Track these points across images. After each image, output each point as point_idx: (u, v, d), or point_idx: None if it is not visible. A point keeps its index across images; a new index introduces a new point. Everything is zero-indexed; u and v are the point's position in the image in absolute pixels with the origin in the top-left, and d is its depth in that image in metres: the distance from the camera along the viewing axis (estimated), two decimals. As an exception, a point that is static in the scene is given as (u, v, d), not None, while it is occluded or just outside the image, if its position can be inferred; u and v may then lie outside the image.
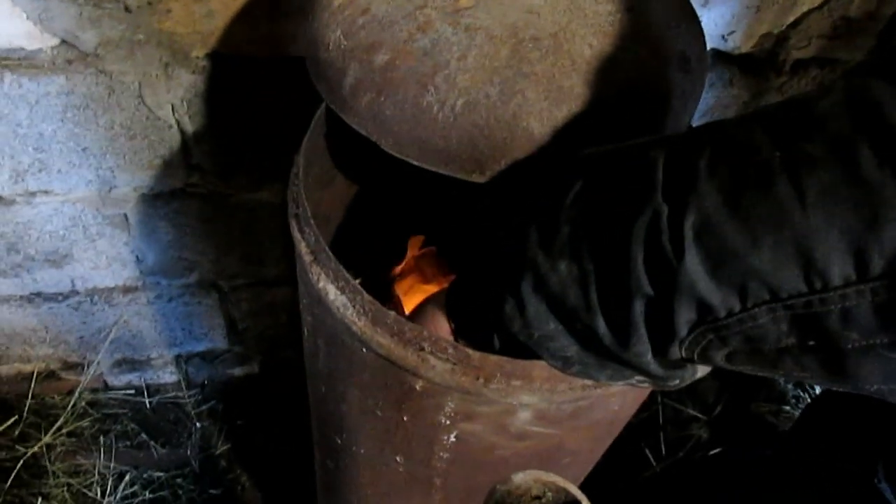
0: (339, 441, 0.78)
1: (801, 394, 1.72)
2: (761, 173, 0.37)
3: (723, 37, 1.07)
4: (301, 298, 0.71)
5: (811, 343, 0.38)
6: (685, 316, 0.40)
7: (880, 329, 0.35)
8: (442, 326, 0.59)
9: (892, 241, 0.33)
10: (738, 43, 1.09)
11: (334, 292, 0.59)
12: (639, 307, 0.42)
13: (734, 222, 0.37)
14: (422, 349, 0.55)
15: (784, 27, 1.08)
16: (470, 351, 0.54)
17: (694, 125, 0.73)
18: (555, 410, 0.59)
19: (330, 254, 0.58)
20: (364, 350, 0.59)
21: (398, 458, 0.71)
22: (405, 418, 0.64)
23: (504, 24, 0.60)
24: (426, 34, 0.59)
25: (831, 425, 0.88)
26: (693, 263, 0.38)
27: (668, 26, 0.63)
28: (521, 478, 0.38)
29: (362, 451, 0.75)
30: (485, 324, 0.54)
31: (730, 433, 1.66)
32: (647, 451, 1.68)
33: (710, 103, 1.16)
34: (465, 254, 0.61)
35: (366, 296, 0.56)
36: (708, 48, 1.09)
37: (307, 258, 0.61)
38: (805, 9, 1.07)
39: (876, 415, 0.76)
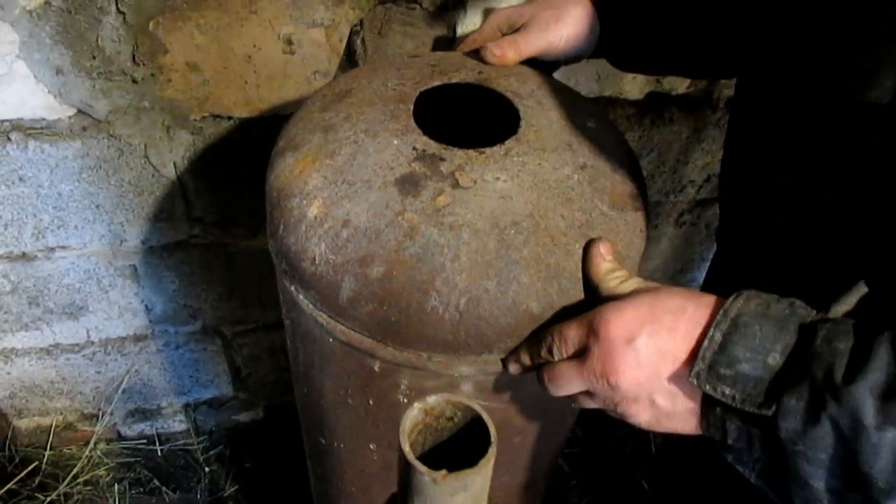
0: (323, 441, 0.88)
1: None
2: None
3: (657, 80, 1.21)
4: (282, 308, 0.83)
5: None
6: None
7: None
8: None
9: None
10: (673, 85, 1.23)
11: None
12: None
13: None
14: (375, 332, 0.66)
15: (712, 69, 1.22)
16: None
17: (640, 163, 0.78)
18: (493, 382, 0.69)
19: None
20: (331, 340, 0.70)
21: (371, 447, 0.80)
22: (371, 402, 0.74)
23: (483, 215, 0.62)
24: (414, 240, 0.61)
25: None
26: None
27: (615, 171, 0.70)
28: (435, 399, 0.47)
29: (342, 445, 0.85)
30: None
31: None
32: (644, 482, 1.75)
33: (654, 139, 1.29)
34: None
35: (328, 291, 0.68)
36: (647, 91, 1.23)
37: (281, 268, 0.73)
38: (729, 52, 1.20)
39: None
